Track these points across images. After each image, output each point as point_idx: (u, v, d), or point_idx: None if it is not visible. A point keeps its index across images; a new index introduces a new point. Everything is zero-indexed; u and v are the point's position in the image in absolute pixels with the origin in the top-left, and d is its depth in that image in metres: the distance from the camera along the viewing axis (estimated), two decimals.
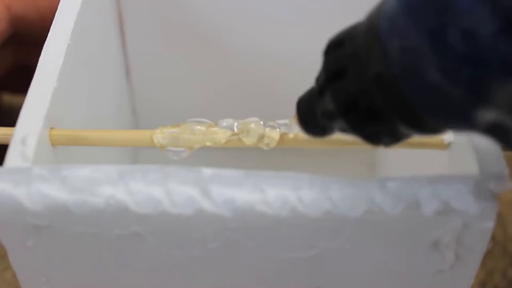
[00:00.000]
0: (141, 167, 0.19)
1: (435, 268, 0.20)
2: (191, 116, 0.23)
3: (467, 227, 0.19)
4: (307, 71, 0.31)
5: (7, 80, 0.34)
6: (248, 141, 0.22)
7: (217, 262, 0.21)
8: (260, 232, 0.19)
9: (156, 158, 0.22)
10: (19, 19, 0.31)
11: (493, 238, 0.19)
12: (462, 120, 0.16)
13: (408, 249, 0.20)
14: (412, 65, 0.15)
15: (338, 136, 0.22)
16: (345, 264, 0.20)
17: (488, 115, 0.15)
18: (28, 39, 0.30)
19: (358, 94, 0.17)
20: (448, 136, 0.22)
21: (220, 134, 0.22)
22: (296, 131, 0.22)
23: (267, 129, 0.22)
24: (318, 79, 0.19)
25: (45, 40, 0.23)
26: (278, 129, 0.22)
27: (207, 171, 0.19)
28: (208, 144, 0.22)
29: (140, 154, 0.36)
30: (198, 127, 0.22)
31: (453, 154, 0.22)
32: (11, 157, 0.20)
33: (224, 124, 0.22)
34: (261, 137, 0.22)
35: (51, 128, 0.22)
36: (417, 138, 0.22)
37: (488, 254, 0.20)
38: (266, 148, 0.22)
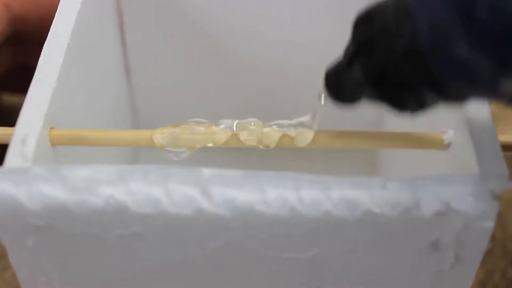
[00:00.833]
0: (141, 167, 0.19)
1: (435, 268, 0.20)
2: (191, 116, 0.23)
3: (467, 227, 0.19)
4: (307, 72, 0.31)
5: (7, 80, 0.34)
6: (248, 141, 0.22)
7: (217, 262, 0.21)
8: (260, 232, 0.19)
9: (156, 158, 0.22)
10: (19, 19, 0.31)
11: (492, 237, 0.19)
12: (488, 89, 0.17)
13: (408, 249, 0.20)
14: (440, 39, 0.16)
15: (338, 136, 0.22)
16: (345, 264, 0.20)
17: None
18: (28, 39, 0.30)
19: (387, 66, 0.18)
20: (448, 136, 0.22)
21: (220, 134, 0.22)
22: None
23: (267, 129, 0.22)
24: (346, 51, 0.19)
25: (45, 39, 0.23)
26: (279, 129, 0.22)
27: (207, 171, 0.19)
28: (208, 144, 0.22)
29: (140, 154, 0.36)
30: (198, 127, 0.22)
31: (453, 155, 0.22)
32: (11, 157, 0.20)
33: (224, 124, 0.22)
34: (261, 137, 0.22)
35: (51, 128, 0.22)
36: (417, 138, 0.22)
37: (488, 254, 0.20)
38: (266, 148, 0.22)
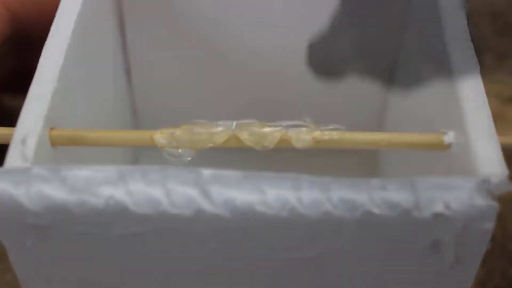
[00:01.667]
0: (141, 167, 0.19)
1: (434, 269, 0.20)
2: (191, 117, 0.23)
3: (467, 228, 0.19)
4: (308, 73, 0.31)
5: (8, 82, 0.34)
6: (248, 141, 0.22)
7: (217, 263, 0.21)
8: (260, 232, 0.19)
9: (156, 159, 0.22)
10: (20, 21, 0.31)
11: (492, 238, 0.19)
12: None
13: (407, 250, 0.20)
14: None
15: (337, 136, 0.22)
16: (345, 265, 0.20)
17: None
18: (29, 41, 0.30)
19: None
20: (448, 137, 0.22)
21: (220, 135, 0.22)
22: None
23: (267, 130, 0.22)
24: (334, 20, 0.18)
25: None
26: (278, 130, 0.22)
27: (206, 172, 0.19)
28: (208, 145, 0.22)
29: (140, 155, 0.36)
30: (198, 127, 0.22)
31: (453, 155, 0.22)
32: (11, 157, 0.20)
33: (224, 125, 0.22)
34: (261, 138, 0.22)
35: (51, 128, 0.22)
36: (417, 139, 0.22)
37: (488, 254, 0.20)
38: (265, 149, 0.22)
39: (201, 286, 0.22)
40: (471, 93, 0.22)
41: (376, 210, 0.19)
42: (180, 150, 0.22)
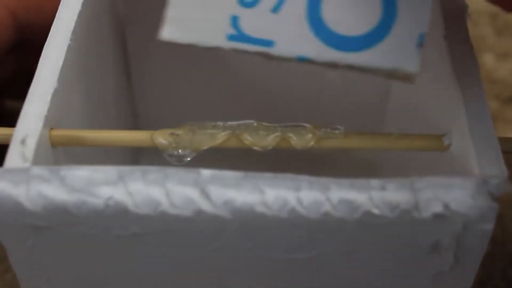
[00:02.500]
0: (141, 167, 0.19)
1: (434, 270, 0.20)
2: (192, 117, 0.23)
3: (467, 229, 0.19)
4: (309, 73, 0.31)
5: (10, 86, 0.34)
6: (248, 142, 0.22)
7: (216, 263, 0.21)
8: (259, 233, 0.19)
9: (156, 159, 0.22)
10: (24, 26, 0.31)
11: (492, 238, 0.19)
12: None
13: (407, 250, 0.20)
14: None
15: (337, 137, 0.22)
16: (344, 265, 0.21)
17: None
18: (32, 46, 0.30)
19: None
20: (448, 138, 0.22)
21: (220, 135, 0.22)
22: None
23: (267, 130, 0.22)
24: None
25: None
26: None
27: (206, 172, 0.19)
28: (208, 145, 0.22)
29: (140, 155, 0.36)
30: (198, 128, 0.22)
31: (452, 156, 0.22)
32: (11, 157, 0.20)
33: (224, 125, 0.22)
34: (261, 138, 0.22)
35: (51, 129, 0.22)
36: (416, 140, 0.22)
37: (488, 255, 0.20)
38: (265, 150, 0.22)
39: (201, 286, 0.22)
40: (471, 93, 0.22)
41: (375, 211, 0.19)
42: (180, 151, 0.22)
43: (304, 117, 0.23)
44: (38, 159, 0.20)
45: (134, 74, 0.34)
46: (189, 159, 0.22)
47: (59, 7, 0.24)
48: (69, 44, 0.23)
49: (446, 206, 0.19)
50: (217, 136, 0.22)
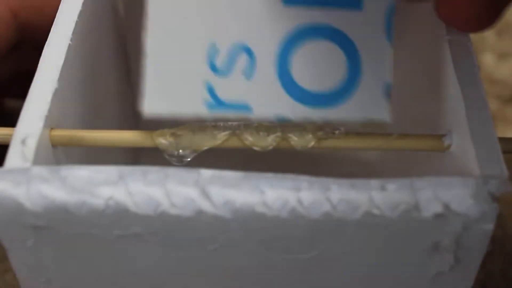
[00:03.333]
0: (141, 168, 0.19)
1: (434, 270, 0.20)
2: (192, 117, 0.23)
3: (467, 229, 0.19)
4: None
5: (11, 86, 0.34)
6: (249, 142, 0.22)
7: (217, 263, 0.21)
8: (260, 233, 0.19)
9: (156, 159, 0.22)
10: (25, 26, 0.31)
11: (492, 238, 0.19)
12: None
13: (407, 251, 0.20)
14: None
15: (337, 138, 0.22)
16: (345, 265, 0.21)
17: None
18: (34, 45, 0.30)
19: None
20: (448, 138, 0.22)
21: (220, 135, 0.22)
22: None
23: (268, 130, 0.22)
24: None
25: None
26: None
27: (206, 172, 0.19)
28: (209, 145, 0.22)
29: (140, 155, 0.36)
30: (199, 128, 0.22)
31: (453, 156, 0.22)
32: (11, 157, 0.20)
33: (225, 125, 0.22)
34: (262, 138, 0.22)
35: (52, 129, 0.22)
36: (416, 140, 0.22)
37: (488, 255, 0.20)
38: (266, 150, 0.22)
39: (201, 286, 0.22)
40: (471, 93, 0.22)
41: (375, 211, 0.19)
42: (180, 151, 0.22)
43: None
44: (38, 159, 0.20)
45: (134, 73, 0.34)
46: (189, 159, 0.22)
47: (60, 7, 0.24)
48: (69, 44, 0.23)
49: (446, 206, 0.19)
50: (217, 136, 0.22)
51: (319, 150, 0.22)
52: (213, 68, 0.21)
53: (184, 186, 0.19)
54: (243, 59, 0.21)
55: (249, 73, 0.21)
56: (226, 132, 0.22)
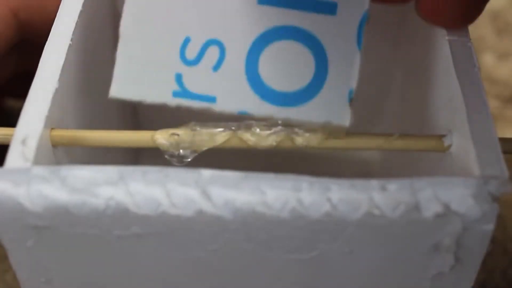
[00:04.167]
0: (141, 168, 0.19)
1: (435, 270, 0.20)
2: (192, 117, 0.23)
3: (467, 229, 0.19)
4: None
5: (11, 85, 0.34)
6: (250, 142, 0.22)
7: (217, 264, 0.21)
8: (260, 233, 0.19)
9: (156, 159, 0.22)
10: (26, 26, 0.31)
11: (493, 238, 0.19)
12: None
13: (408, 251, 0.20)
14: None
15: (337, 138, 0.22)
16: (345, 266, 0.21)
17: None
18: (34, 45, 0.30)
19: None
20: (448, 138, 0.22)
21: (221, 135, 0.22)
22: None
23: (269, 130, 0.22)
24: None
25: None
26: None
27: (207, 172, 0.19)
28: (209, 145, 0.22)
29: (141, 155, 0.36)
30: (199, 128, 0.22)
31: (453, 156, 0.22)
32: (11, 157, 0.20)
33: (225, 125, 0.22)
34: (263, 138, 0.22)
35: (52, 129, 0.22)
36: (417, 140, 0.22)
37: (488, 255, 0.20)
38: (267, 150, 0.22)
39: (201, 286, 0.22)
40: (471, 93, 0.22)
41: (376, 211, 0.19)
42: (181, 151, 0.22)
43: None
44: (38, 159, 0.20)
45: None
46: (189, 159, 0.22)
47: (60, 7, 0.24)
48: (69, 44, 0.23)
49: (447, 207, 0.19)
50: (218, 136, 0.22)
51: (320, 150, 0.22)
52: (184, 59, 0.22)
53: (184, 186, 0.19)
54: (213, 51, 0.22)
55: (217, 65, 0.22)
56: (227, 132, 0.22)
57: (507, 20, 0.45)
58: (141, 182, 0.19)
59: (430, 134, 0.22)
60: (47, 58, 0.22)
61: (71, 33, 0.23)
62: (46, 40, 0.23)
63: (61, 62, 0.22)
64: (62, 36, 0.23)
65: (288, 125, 0.22)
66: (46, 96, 0.21)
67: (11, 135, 0.20)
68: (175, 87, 0.22)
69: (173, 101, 0.22)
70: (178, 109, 0.33)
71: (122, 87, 0.22)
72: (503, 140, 0.21)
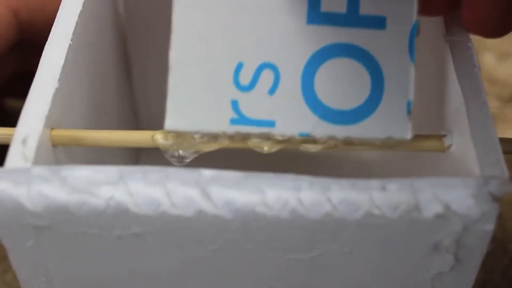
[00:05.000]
0: (141, 167, 0.19)
1: (435, 270, 0.20)
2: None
3: (467, 229, 0.19)
4: None
5: (11, 85, 0.34)
6: (250, 142, 0.22)
7: (217, 263, 0.21)
8: (260, 233, 0.19)
9: (156, 159, 0.22)
10: (26, 26, 0.31)
11: (493, 238, 0.19)
12: None
13: (408, 251, 0.20)
14: None
15: (338, 139, 0.22)
16: (345, 266, 0.21)
17: None
18: (34, 45, 0.30)
19: None
20: (448, 138, 0.22)
21: (221, 136, 0.22)
22: None
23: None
24: None
25: None
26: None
27: (207, 173, 0.19)
28: (209, 145, 0.22)
29: (141, 155, 0.36)
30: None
31: (453, 157, 0.22)
32: (11, 157, 0.20)
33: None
34: (263, 139, 0.22)
35: (52, 129, 0.22)
36: (417, 140, 0.22)
37: (488, 254, 0.20)
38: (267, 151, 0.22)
39: (201, 286, 0.22)
40: (472, 93, 0.22)
41: (376, 211, 0.19)
42: (180, 151, 0.22)
43: None
44: (39, 159, 0.20)
45: (134, 73, 0.34)
46: (189, 159, 0.22)
47: (60, 7, 0.24)
48: (70, 44, 0.23)
49: (447, 207, 0.19)
50: (218, 136, 0.22)
51: (320, 150, 0.22)
52: (238, 85, 0.22)
53: (184, 186, 0.19)
54: (267, 75, 0.22)
55: (273, 89, 0.22)
56: (228, 133, 0.22)
57: None
58: (141, 182, 0.19)
59: (430, 134, 0.22)
60: (47, 58, 0.22)
61: (71, 33, 0.23)
62: (46, 40, 0.23)
63: (61, 62, 0.22)
64: (62, 36, 0.23)
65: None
66: (46, 96, 0.21)
67: (11, 135, 0.20)
68: (232, 114, 0.22)
69: (232, 129, 0.22)
70: None
71: (177, 119, 0.22)
72: (503, 140, 0.21)
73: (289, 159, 0.30)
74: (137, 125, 0.36)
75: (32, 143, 0.20)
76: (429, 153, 0.23)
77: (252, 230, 0.19)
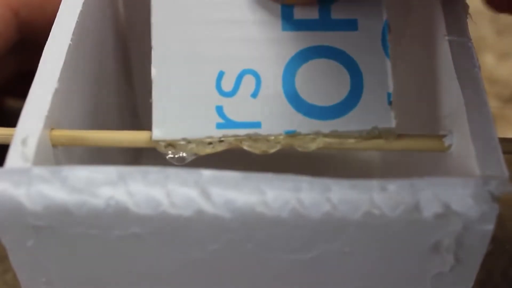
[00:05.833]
0: (141, 168, 0.19)
1: (434, 270, 0.20)
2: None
3: (467, 229, 0.19)
4: None
5: (11, 85, 0.34)
6: (251, 147, 0.22)
7: (217, 263, 0.21)
8: (260, 233, 0.19)
9: (156, 159, 0.22)
10: (26, 26, 0.31)
11: (493, 238, 0.19)
12: None
13: (408, 251, 0.20)
14: None
15: (338, 139, 0.22)
16: (345, 266, 0.20)
17: None
18: (34, 45, 0.30)
19: None
20: (448, 138, 0.22)
21: (220, 144, 0.22)
22: None
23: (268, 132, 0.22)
24: None
25: None
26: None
27: (206, 173, 0.19)
28: (209, 145, 0.22)
29: (141, 155, 0.36)
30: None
31: (453, 157, 0.22)
32: (11, 157, 0.20)
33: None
34: (263, 140, 0.22)
35: (52, 129, 0.22)
36: (417, 140, 0.22)
37: (488, 254, 0.20)
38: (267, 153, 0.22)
39: (201, 286, 0.22)
40: (472, 93, 0.22)
41: (376, 211, 0.19)
42: (180, 151, 0.22)
43: None
44: (38, 159, 0.20)
45: (134, 73, 0.34)
46: (189, 159, 0.22)
47: (60, 7, 0.24)
48: (69, 44, 0.23)
49: (447, 207, 0.19)
50: (218, 138, 0.22)
51: (320, 150, 0.22)
52: (221, 91, 0.22)
53: (184, 186, 0.19)
54: (249, 80, 0.22)
55: (255, 93, 0.22)
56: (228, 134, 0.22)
57: (507, 20, 0.45)
58: (141, 182, 0.19)
59: (430, 134, 0.22)
60: (47, 58, 0.22)
61: (71, 33, 0.23)
62: (46, 40, 0.23)
63: (61, 62, 0.22)
64: (62, 36, 0.23)
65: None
66: (46, 96, 0.21)
67: (11, 135, 0.20)
68: (218, 119, 0.22)
69: (218, 133, 0.22)
70: None
71: (164, 129, 0.22)
72: (503, 140, 0.21)
73: (289, 159, 0.30)
74: (137, 125, 0.36)
75: (32, 143, 0.20)
76: (429, 153, 0.23)
77: (252, 230, 0.19)
